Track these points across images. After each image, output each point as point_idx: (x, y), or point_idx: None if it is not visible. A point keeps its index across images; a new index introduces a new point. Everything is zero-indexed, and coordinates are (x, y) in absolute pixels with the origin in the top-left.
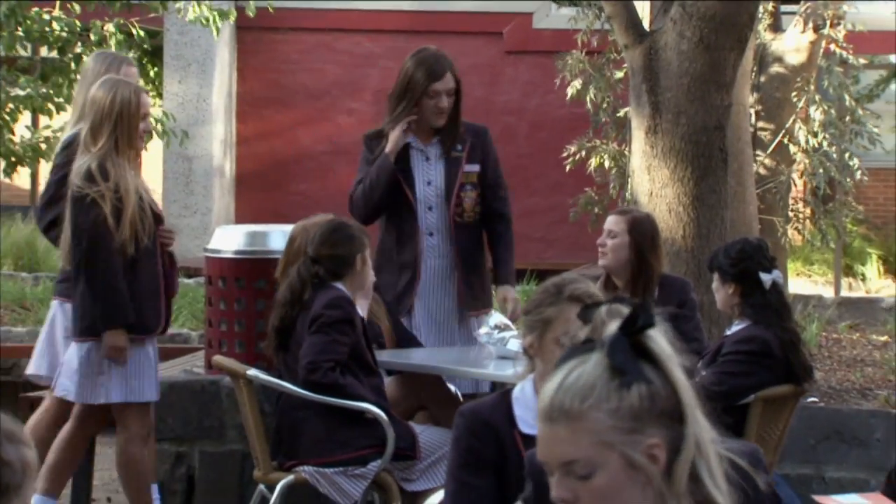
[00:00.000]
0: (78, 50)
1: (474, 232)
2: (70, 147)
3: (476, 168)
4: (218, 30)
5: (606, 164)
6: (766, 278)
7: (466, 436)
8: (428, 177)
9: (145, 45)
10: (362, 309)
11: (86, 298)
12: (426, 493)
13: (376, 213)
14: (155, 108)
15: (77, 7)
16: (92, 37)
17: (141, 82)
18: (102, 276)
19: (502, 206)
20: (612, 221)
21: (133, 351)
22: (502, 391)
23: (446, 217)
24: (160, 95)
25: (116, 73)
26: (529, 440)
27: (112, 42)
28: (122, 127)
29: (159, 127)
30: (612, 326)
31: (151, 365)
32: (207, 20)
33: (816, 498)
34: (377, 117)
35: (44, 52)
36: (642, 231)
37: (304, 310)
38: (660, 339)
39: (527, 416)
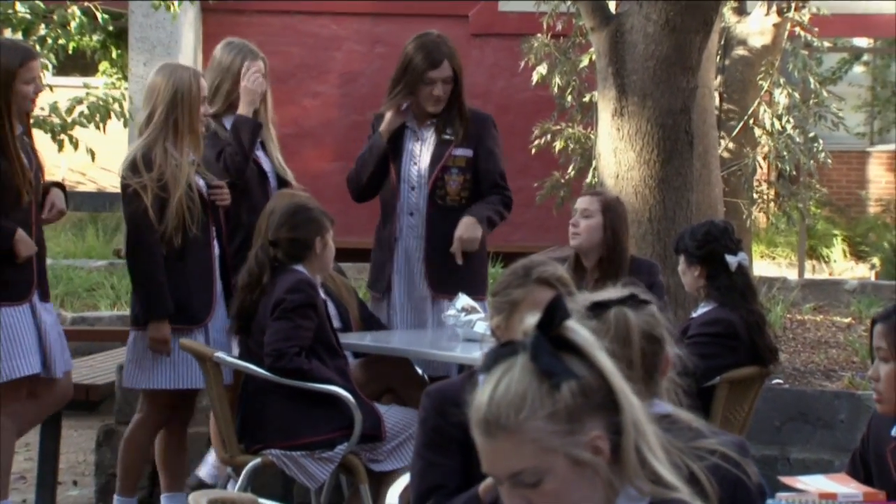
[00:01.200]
0: (42, 32)
1: (458, 216)
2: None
3: (467, 153)
4: (175, 15)
5: (571, 147)
6: (731, 260)
7: (433, 415)
8: (415, 158)
9: (109, 28)
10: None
11: (133, 289)
12: (394, 473)
13: (367, 191)
14: (117, 90)
15: None
16: (55, 19)
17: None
18: (143, 267)
19: (493, 191)
20: (585, 201)
21: (180, 339)
22: (469, 371)
23: (427, 198)
24: (125, 78)
25: (242, 63)
26: None
27: (74, 24)
28: (181, 111)
29: (117, 107)
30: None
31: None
32: (169, 5)
33: (782, 479)
34: (343, 100)
35: (7, 34)
36: (617, 211)
37: (265, 294)
38: (579, 329)
39: None
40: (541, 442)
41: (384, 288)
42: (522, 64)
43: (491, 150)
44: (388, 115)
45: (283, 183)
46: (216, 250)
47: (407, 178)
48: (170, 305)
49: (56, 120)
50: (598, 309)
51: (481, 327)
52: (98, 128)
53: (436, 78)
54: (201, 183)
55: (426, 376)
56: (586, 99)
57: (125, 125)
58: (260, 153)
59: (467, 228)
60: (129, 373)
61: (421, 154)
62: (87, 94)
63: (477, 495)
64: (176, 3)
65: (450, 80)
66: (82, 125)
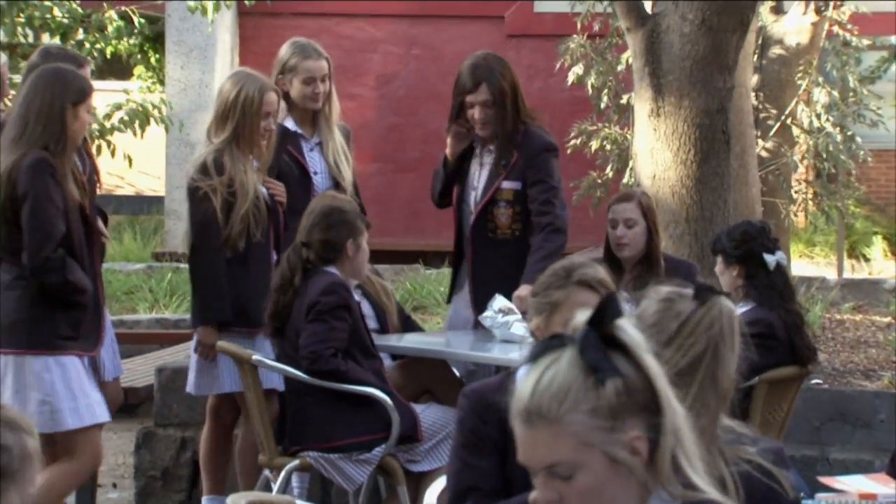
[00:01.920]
0: (80, 37)
1: (510, 248)
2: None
3: (515, 185)
4: (213, 19)
5: (608, 147)
6: (770, 259)
7: (470, 416)
8: (473, 183)
9: (146, 32)
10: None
11: (192, 291)
12: (432, 473)
13: (442, 203)
14: (155, 95)
15: None
16: (93, 23)
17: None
18: (205, 270)
19: (539, 217)
20: (627, 210)
21: (245, 343)
22: (506, 372)
23: (477, 229)
24: (161, 82)
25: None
26: None
27: (112, 28)
28: (243, 122)
29: (156, 113)
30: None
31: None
32: (205, 9)
33: (821, 479)
34: (379, 102)
35: (46, 38)
36: (653, 210)
37: (299, 295)
38: (629, 328)
39: None
40: (580, 436)
41: (448, 299)
42: (558, 65)
43: (540, 181)
44: (448, 140)
45: (336, 184)
46: (274, 256)
47: (466, 202)
48: (227, 311)
49: (94, 125)
50: (704, 293)
51: (518, 329)
52: (135, 134)
53: (473, 101)
54: (263, 190)
55: (463, 378)
56: (623, 100)
57: (166, 130)
58: (314, 154)
59: (521, 297)
60: (198, 380)
61: (479, 180)
62: (128, 100)
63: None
64: (211, 6)
65: (489, 103)
66: (120, 131)
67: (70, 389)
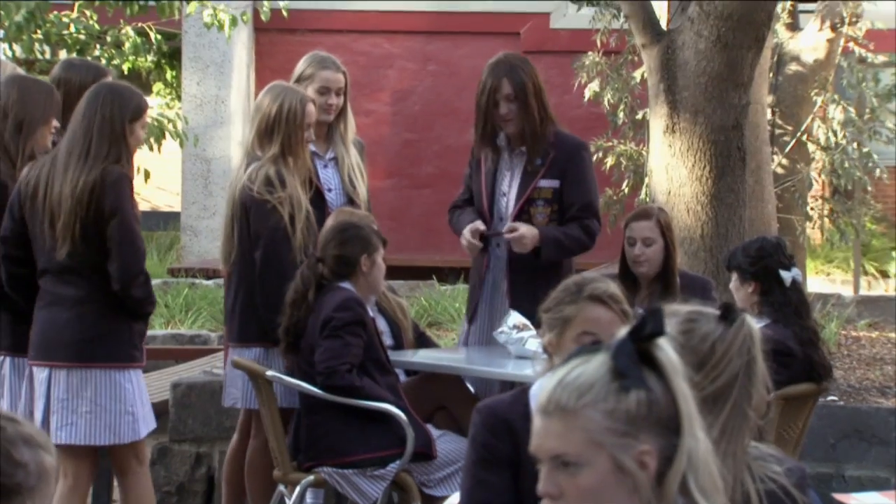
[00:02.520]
0: (96, 53)
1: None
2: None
3: (553, 184)
4: (229, 35)
5: (623, 163)
6: (785, 276)
7: (483, 432)
8: (503, 189)
9: (163, 48)
10: (370, 307)
11: (256, 304)
12: (444, 498)
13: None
14: (171, 110)
15: (95, 15)
16: (109, 39)
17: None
18: (277, 283)
19: (578, 217)
20: (645, 228)
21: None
22: (520, 388)
23: None
24: (178, 97)
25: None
26: None
27: (128, 45)
28: (288, 135)
29: (171, 128)
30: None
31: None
32: (222, 24)
33: (836, 496)
34: (395, 118)
35: (62, 54)
36: (671, 227)
37: (313, 311)
38: (667, 348)
39: None
40: (592, 433)
41: (471, 316)
42: (577, 83)
43: (577, 179)
44: (465, 242)
45: (350, 201)
46: None
47: (497, 210)
48: None
49: None
50: (730, 313)
51: (533, 345)
52: (152, 149)
53: (497, 98)
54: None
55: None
56: (639, 116)
57: (181, 145)
58: (328, 170)
59: (528, 230)
60: (252, 393)
61: (511, 185)
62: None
63: None
64: (228, 22)
65: (511, 97)
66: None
67: (142, 400)
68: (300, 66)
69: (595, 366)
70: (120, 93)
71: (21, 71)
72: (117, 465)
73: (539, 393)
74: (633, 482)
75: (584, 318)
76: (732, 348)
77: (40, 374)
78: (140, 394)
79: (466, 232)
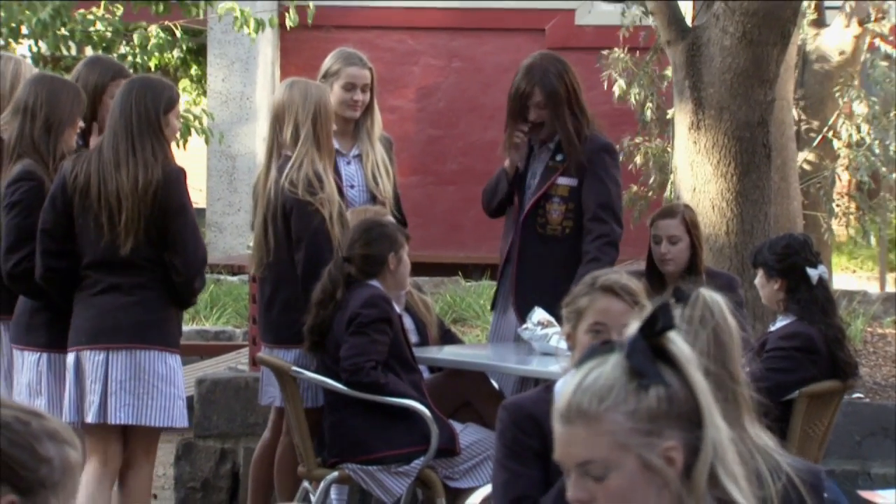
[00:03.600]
0: (122, 50)
1: (560, 247)
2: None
3: (571, 182)
4: (255, 36)
5: (650, 161)
6: (812, 273)
7: (511, 428)
8: (529, 181)
9: (189, 45)
10: (398, 305)
11: (295, 306)
12: (469, 491)
13: (496, 213)
14: (197, 107)
15: (120, 8)
16: (135, 37)
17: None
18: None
19: (594, 224)
20: (671, 226)
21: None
22: (545, 385)
23: (527, 224)
24: (204, 94)
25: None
26: None
27: (153, 42)
28: (316, 130)
29: (197, 124)
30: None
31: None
32: (248, 23)
33: (862, 493)
34: (419, 114)
35: (88, 52)
36: (697, 225)
37: (340, 308)
38: (680, 342)
39: None
40: (616, 436)
41: (492, 306)
42: (605, 80)
43: (597, 179)
44: (507, 153)
45: (373, 198)
46: None
47: (523, 202)
48: None
49: None
50: (679, 294)
51: (557, 341)
52: (178, 146)
53: (529, 105)
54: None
55: (502, 390)
56: (669, 115)
57: (206, 142)
58: (350, 167)
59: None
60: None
61: (535, 177)
62: None
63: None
64: (252, 25)
65: (541, 105)
66: None
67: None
68: (327, 62)
69: (611, 367)
70: (152, 86)
71: (28, 66)
72: (127, 455)
73: (558, 397)
74: (662, 479)
75: (596, 309)
76: (693, 325)
77: (95, 358)
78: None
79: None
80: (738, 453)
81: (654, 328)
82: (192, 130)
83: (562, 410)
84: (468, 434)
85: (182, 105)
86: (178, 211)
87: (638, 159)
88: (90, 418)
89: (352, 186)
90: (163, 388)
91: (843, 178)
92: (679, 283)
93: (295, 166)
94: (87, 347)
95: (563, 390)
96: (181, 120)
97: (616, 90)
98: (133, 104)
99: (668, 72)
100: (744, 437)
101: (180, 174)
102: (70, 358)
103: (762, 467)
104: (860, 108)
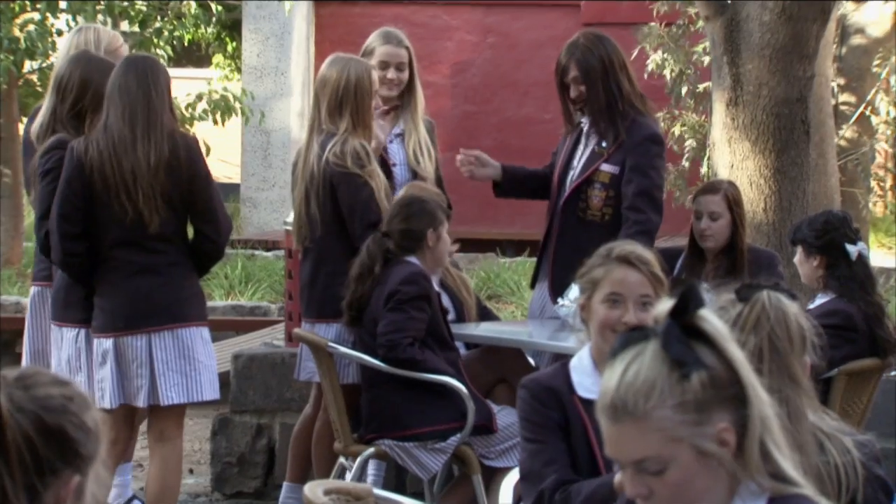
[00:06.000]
0: (157, 24)
1: (599, 232)
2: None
3: (613, 169)
4: (290, 9)
5: (686, 136)
6: (852, 249)
7: (531, 402)
8: (574, 164)
9: (223, 20)
10: (435, 282)
11: (339, 281)
12: (505, 470)
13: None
14: (234, 84)
15: None
16: (171, 11)
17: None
18: None
19: (631, 213)
20: (713, 202)
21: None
22: (561, 362)
23: (568, 207)
24: (238, 70)
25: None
26: (588, 404)
27: (189, 16)
28: (357, 106)
29: (237, 105)
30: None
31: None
32: None
33: None
34: (454, 90)
35: (124, 26)
36: (740, 203)
37: (379, 284)
38: (712, 318)
39: (585, 382)
40: (667, 431)
41: (532, 283)
42: (636, 52)
43: (637, 168)
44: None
45: (415, 176)
46: None
47: (564, 184)
48: None
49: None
50: (744, 291)
51: None
52: (216, 123)
53: (567, 81)
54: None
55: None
56: (700, 89)
57: (246, 122)
58: (393, 144)
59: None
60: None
61: (580, 160)
62: (210, 90)
63: (610, 484)
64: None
65: (578, 80)
66: (202, 119)
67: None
68: (368, 41)
69: (649, 360)
70: (154, 64)
71: (121, 42)
72: (158, 429)
73: (601, 393)
74: (718, 460)
75: (612, 280)
76: (748, 325)
77: (136, 343)
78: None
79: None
80: (806, 444)
81: (686, 309)
82: (231, 111)
83: (607, 408)
84: (505, 416)
85: (215, 81)
86: (205, 179)
87: (676, 131)
88: (141, 402)
89: (394, 164)
90: (206, 361)
91: (881, 155)
92: (719, 261)
93: (339, 141)
94: (126, 333)
95: (605, 386)
96: (220, 99)
97: (651, 64)
98: (140, 82)
99: (699, 47)
100: (810, 428)
101: (194, 142)
102: (108, 343)
103: (831, 450)
104: None
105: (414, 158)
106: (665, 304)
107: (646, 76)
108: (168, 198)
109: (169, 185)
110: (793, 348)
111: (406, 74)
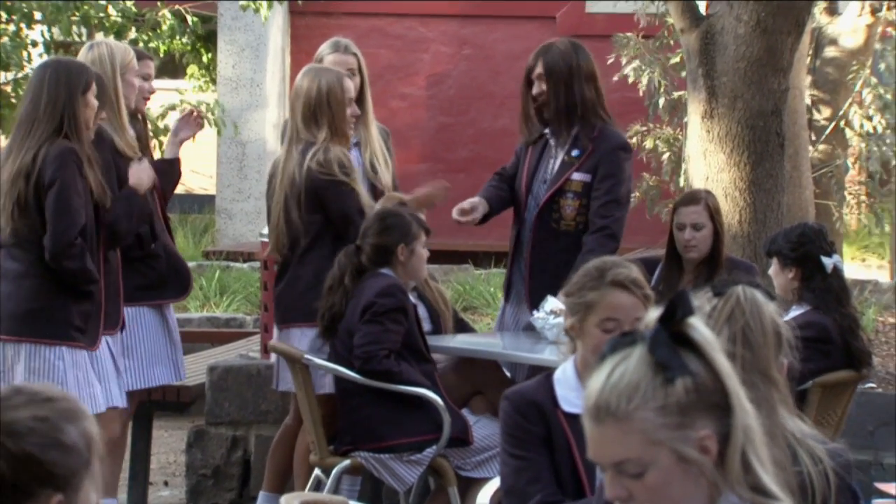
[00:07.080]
0: (132, 35)
1: (570, 240)
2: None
3: (585, 178)
4: (266, 17)
5: (660, 148)
6: (827, 262)
7: (514, 415)
8: (545, 177)
9: (198, 31)
10: (413, 294)
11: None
12: (481, 481)
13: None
14: (207, 94)
15: None
16: (146, 21)
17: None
18: None
19: (597, 218)
20: (695, 213)
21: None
22: (545, 374)
23: (542, 218)
24: (213, 81)
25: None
26: (572, 418)
27: (165, 27)
28: (333, 115)
29: (210, 116)
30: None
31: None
32: (258, 7)
33: (877, 485)
34: (430, 102)
35: (99, 36)
36: (720, 213)
37: (354, 296)
38: (700, 327)
39: (569, 396)
40: (648, 433)
41: (506, 295)
42: (611, 59)
43: (606, 176)
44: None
45: (372, 186)
46: None
47: (534, 195)
48: None
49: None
50: (719, 286)
51: None
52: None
53: (533, 78)
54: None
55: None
56: (675, 96)
57: (219, 133)
58: (352, 153)
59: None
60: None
61: (550, 172)
62: (182, 101)
63: None
64: (265, 5)
65: (542, 77)
66: None
67: (78, 382)
68: (318, 51)
69: (635, 363)
70: (67, 68)
71: (132, 56)
72: None
73: (585, 396)
74: (699, 468)
75: (608, 305)
76: (721, 318)
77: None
78: (79, 375)
79: (455, 211)
80: (778, 446)
81: (674, 316)
82: (206, 122)
83: (591, 409)
84: (481, 427)
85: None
86: (49, 185)
87: (648, 144)
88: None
89: None
90: (37, 381)
91: (854, 168)
92: (699, 271)
93: (321, 149)
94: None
95: (590, 388)
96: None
97: (630, 74)
98: (46, 87)
99: (675, 59)
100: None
101: (64, 151)
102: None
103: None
104: (871, 98)
105: (371, 168)
106: (655, 312)
107: (615, 80)
108: (25, 204)
109: (25, 190)
110: (766, 342)
111: (358, 80)
